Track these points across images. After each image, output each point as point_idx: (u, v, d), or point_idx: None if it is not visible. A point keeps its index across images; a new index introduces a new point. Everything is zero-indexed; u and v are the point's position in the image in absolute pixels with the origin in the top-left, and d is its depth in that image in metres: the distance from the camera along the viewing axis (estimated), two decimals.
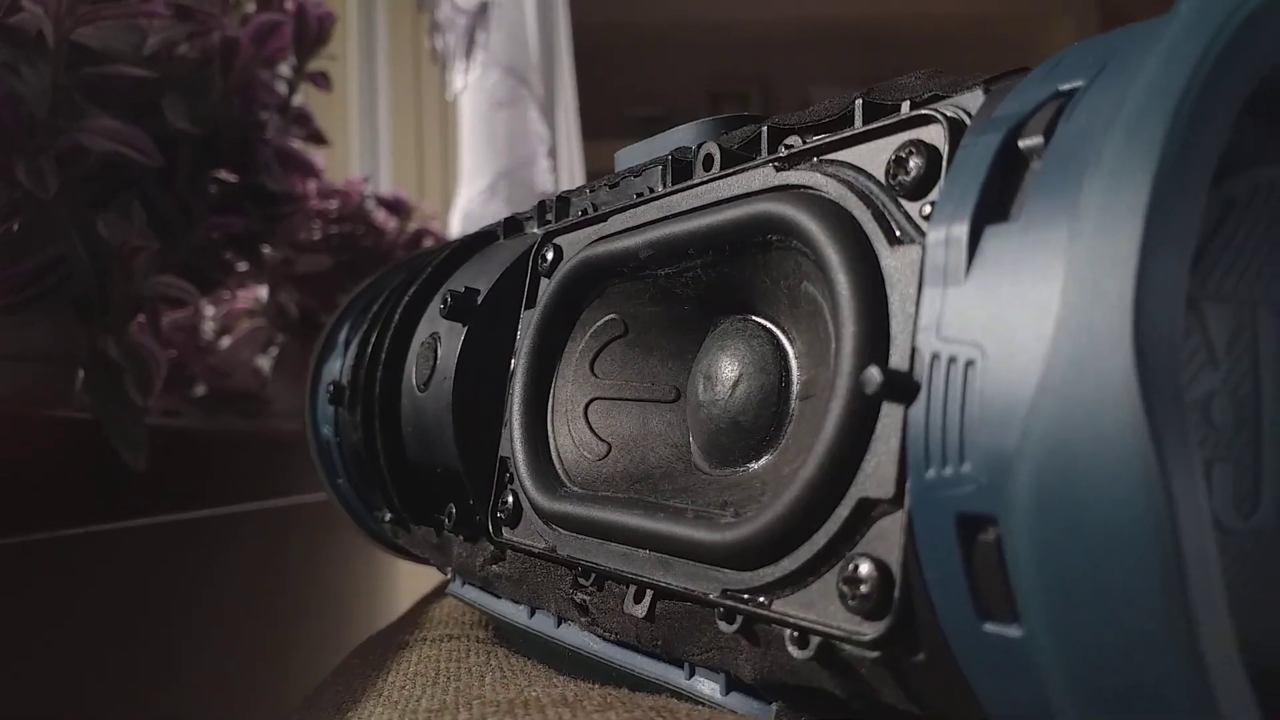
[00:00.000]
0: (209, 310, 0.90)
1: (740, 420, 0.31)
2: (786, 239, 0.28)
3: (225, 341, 0.90)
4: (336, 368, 0.52)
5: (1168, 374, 0.17)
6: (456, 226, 1.14)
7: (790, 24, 1.87)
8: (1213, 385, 0.21)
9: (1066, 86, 0.21)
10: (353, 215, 0.93)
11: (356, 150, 1.37)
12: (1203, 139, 0.18)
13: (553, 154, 1.18)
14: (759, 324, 0.32)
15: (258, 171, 0.74)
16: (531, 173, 1.13)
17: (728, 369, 0.32)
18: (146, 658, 0.62)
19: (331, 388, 0.50)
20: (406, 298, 0.45)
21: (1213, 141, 0.18)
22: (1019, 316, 0.19)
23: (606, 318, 0.36)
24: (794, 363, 0.31)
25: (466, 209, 1.13)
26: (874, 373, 0.21)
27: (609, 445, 0.35)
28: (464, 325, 0.39)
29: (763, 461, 0.30)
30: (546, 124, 1.17)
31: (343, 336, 0.54)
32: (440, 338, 0.41)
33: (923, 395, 0.21)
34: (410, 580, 0.85)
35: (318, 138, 0.84)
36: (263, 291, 0.90)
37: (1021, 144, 0.21)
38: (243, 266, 0.82)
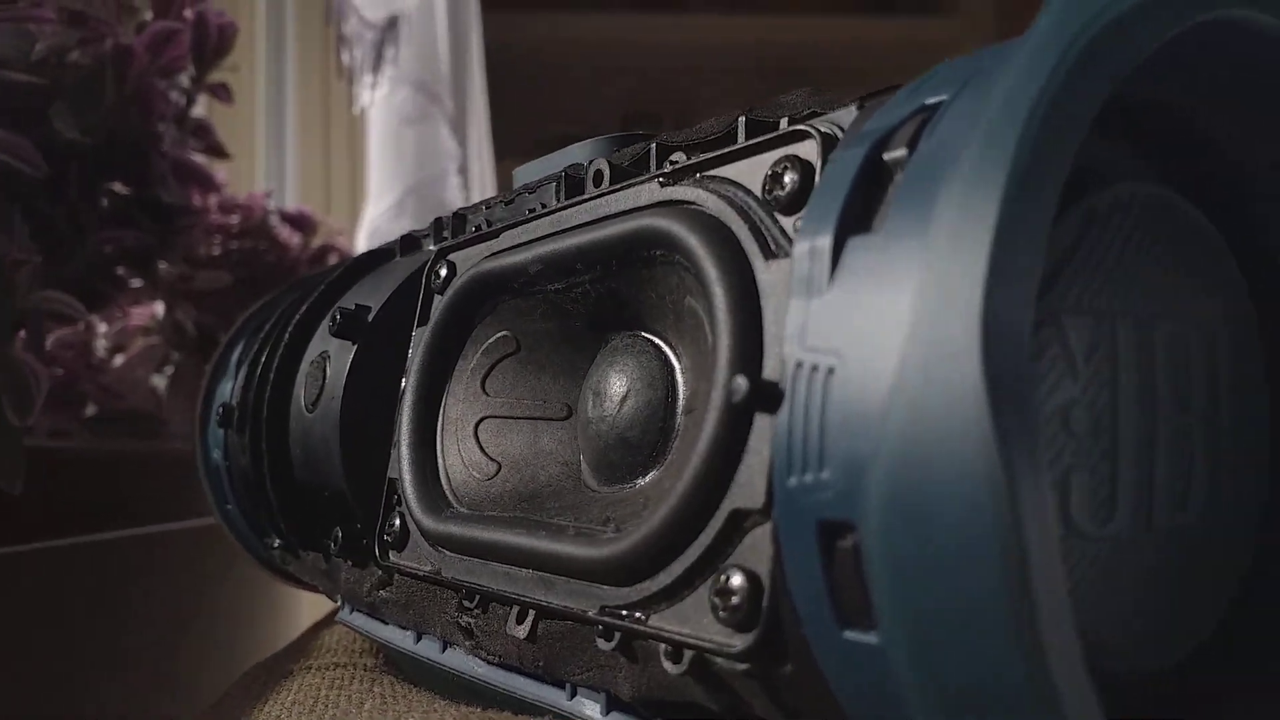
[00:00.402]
0: (102, 328, 0.88)
1: (627, 436, 0.31)
2: (670, 254, 0.29)
3: (119, 360, 0.88)
4: (227, 389, 0.52)
5: (1016, 382, 0.17)
6: (363, 243, 1.13)
7: (707, 47, 1.89)
8: (1072, 395, 0.22)
9: (932, 100, 0.22)
10: (255, 230, 0.92)
11: (263, 164, 1.35)
12: (1054, 153, 0.19)
13: (464, 171, 1.18)
14: (647, 339, 0.32)
15: (153, 184, 0.73)
16: (441, 190, 1.13)
17: (616, 385, 0.32)
18: (35, 691, 0.60)
19: (221, 410, 0.49)
20: (297, 316, 0.44)
21: (1063, 155, 0.19)
22: (875, 325, 0.19)
23: (498, 335, 0.36)
24: (680, 377, 0.31)
25: (374, 226, 1.13)
26: (740, 382, 0.22)
27: (499, 464, 0.35)
28: (353, 343, 0.39)
29: (650, 477, 0.31)
30: (457, 141, 1.17)
31: (235, 358, 0.53)
32: (330, 357, 0.41)
33: (787, 404, 0.21)
34: (315, 606, 0.84)
35: (218, 150, 0.83)
36: (159, 308, 0.88)
37: (886, 157, 0.22)
38: (137, 282, 0.80)
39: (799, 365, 0.21)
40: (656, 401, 0.31)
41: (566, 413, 0.35)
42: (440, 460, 0.36)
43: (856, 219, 0.21)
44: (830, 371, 0.20)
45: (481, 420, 0.36)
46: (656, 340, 0.32)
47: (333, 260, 0.94)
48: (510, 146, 1.36)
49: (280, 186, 1.36)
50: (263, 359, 0.46)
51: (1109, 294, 0.23)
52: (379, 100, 1.16)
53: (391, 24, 1.13)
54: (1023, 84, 0.19)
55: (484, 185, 1.24)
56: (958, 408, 0.17)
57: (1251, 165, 0.26)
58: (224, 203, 0.92)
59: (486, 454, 0.35)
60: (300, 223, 0.96)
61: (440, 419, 0.36)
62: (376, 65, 1.13)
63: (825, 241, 0.21)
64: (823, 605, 0.20)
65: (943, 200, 0.19)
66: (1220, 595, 0.25)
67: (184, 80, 0.79)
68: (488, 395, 0.36)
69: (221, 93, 0.81)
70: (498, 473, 0.35)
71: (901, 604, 0.18)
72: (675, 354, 0.32)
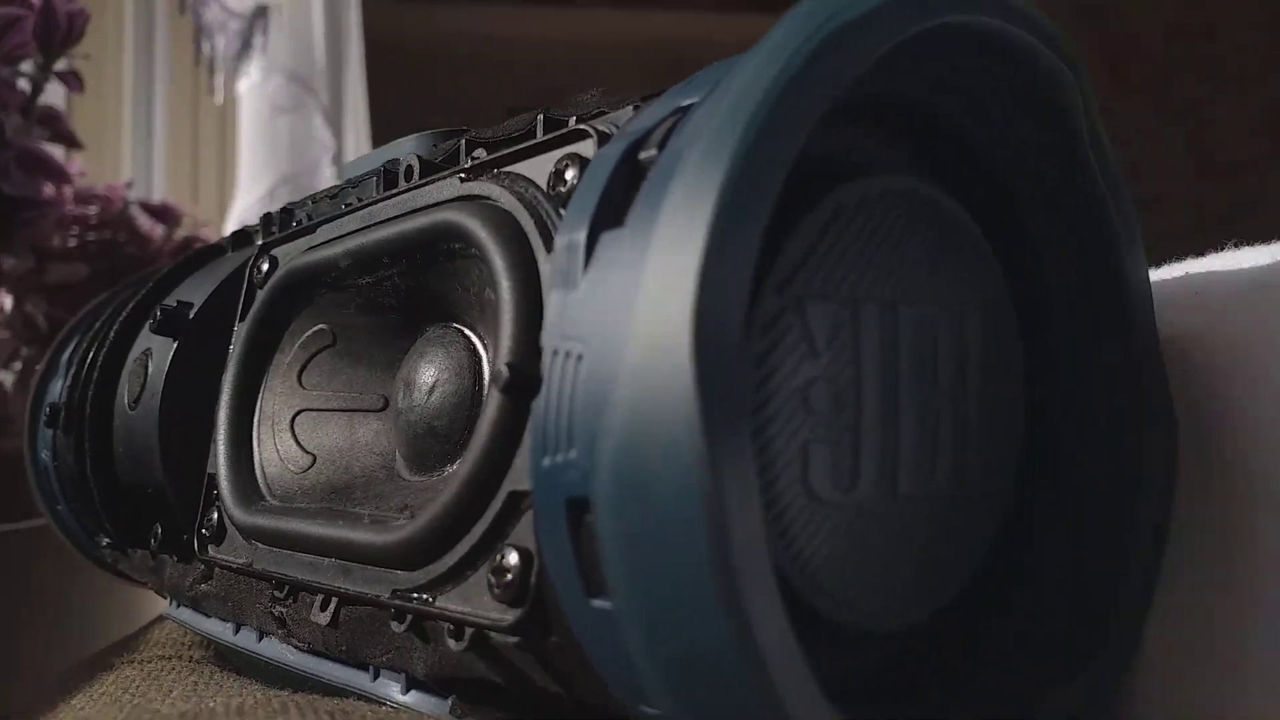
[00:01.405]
0: None
1: (435, 425, 0.33)
2: (467, 247, 0.30)
3: None
4: (57, 389, 0.52)
5: (724, 370, 0.19)
6: None
7: (595, 43, 1.91)
8: (813, 374, 0.24)
9: (686, 102, 0.24)
10: (114, 222, 0.91)
11: (129, 155, 1.33)
12: (773, 154, 0.21)
13: (338, 162, 1.19)
14: (458, 330, 0.34)
15: None
16: (314, 180, 1.13)
17: (425, 375, 0.34)
18: None
19: (48, 409, 0.49)
20: (124, 314, 0.45)
21: (784, 156, 0.21)
22: (615, 313, 0.21)
23: (315, 328, 0.37)
24: (487, 368, 0.33)
25: (243, 216, 1.12)
26: (502, 369, 0.24)
27: (314, 457, 0.36)
28: (174, 340, 0.40)
29: (456, 465, 0.32)
30: (332, 132, 1.17)
31: (65, 356, 0.53)
32: (152, 354, 0.41)
33: (545, 389, 0.23)
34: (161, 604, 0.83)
35: (69, 140, 0.82)
36: (6, 301, 0.86)
37: (641, 156, 0.24)
38: None
39: (555, 353, 0.23)
40: (464, 390, 0.32)
41: (383, 404, 0.37)
42: (256, 454, 0.37)
43: (610, 215, 0.23)
44: (580, 358, 0.22)
45: (298, 414, 0.37)
46: (466, 331, 0.34)
47: None
48: (392, 140, 1.35)
49: (147, 177, 1.34)
50: (89, 357, 0.46)
51: (854, 281, 0.25)
52: (251, 89, 1.16)
53: (260, 12, 1.13)
54: (748, 89, 0.21)
55: None
56: (671, 393, 0.19)
57: (1002, 157, 0.28)
58: (80, 193, 0.91)
59: (302, 447, 0.36)
60: (162, 214, 0.96)
61: (257, 413, 0.37)
62: (243, 54, 1.13)
63: (580, 236, 0.23)
64: (573, 575, 0.22)
65: (670, 197, 0.21)
66: (969, 557, 0.28)
67: (30, 68, 0.78)
68: (304, 389, 0.37)
69: (72, 81, 0.80)
70: (312, 465, 0.36)
71: (627, 574, 0.20)
72: (483, 344, 0.33)
